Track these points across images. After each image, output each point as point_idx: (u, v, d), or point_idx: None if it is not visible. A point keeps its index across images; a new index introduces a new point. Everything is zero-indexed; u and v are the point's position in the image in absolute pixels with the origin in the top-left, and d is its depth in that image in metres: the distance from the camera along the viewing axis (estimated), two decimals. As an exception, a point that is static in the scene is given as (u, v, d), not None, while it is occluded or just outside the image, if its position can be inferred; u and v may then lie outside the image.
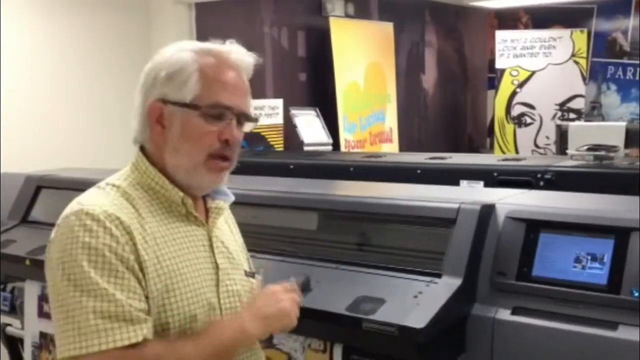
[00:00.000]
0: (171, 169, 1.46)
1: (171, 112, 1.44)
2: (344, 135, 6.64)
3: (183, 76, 1.43)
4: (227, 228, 1.61)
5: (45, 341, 2.76)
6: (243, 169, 4.50)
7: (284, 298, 1.47)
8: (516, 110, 8.14)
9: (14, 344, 3.05)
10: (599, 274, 1.74)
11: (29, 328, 2.83)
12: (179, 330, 1.37)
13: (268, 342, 1.96)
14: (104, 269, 1.31)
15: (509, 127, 8.18)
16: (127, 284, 1.31)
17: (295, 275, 1.74)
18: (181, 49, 1.47)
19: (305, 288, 1.63)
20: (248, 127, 1.52)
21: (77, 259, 1.31)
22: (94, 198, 1.40)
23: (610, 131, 4.83)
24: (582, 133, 4.84)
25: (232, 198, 1.59)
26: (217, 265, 1.48)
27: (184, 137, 1.44)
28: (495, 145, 8.29)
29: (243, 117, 1.48)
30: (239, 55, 1.48)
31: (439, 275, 1.87)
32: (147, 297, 1.34)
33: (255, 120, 1.53)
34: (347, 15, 7.10)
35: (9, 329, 3.02)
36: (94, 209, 1.35)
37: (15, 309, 2.98)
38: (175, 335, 1.37)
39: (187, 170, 1.45)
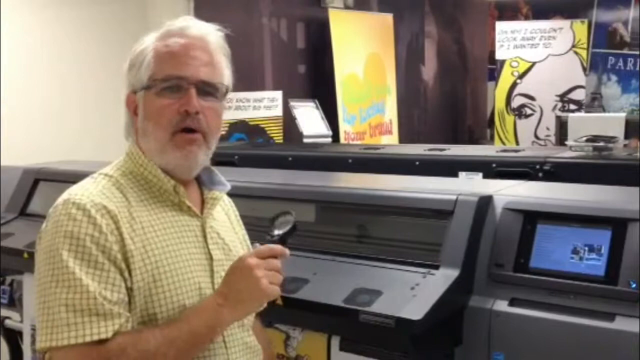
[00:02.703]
0: (149, 155, 1.45)
1: (139, 99, 1.44)
2: (343, 127, 6.63)
3: (140, 60, 1.43)
4: (225, 219, 1.60)
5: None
6: (242, 161, 4.48)
7: (260, 275, 1.33)
8: (516, 102, 8.12)
9: (13, 337, 3.06)
10: (596, 265, 1.74)
11: (28, 321, 2.84)
12: (167, 321, 1.35)
13: (266, 323, 1.96)
14: (82, 259, 1.30)
15: (509, 119, 8.16)
16: (105, 275, 1.31)
17: (277, 223, 1.44)
18: (144, 37, 1.47)
19: (289, 234, 1.41)
20: (220, 98, 1.46)
21: (58, 247, 1.31)
22: (83, 188, 1.40)
23: (610, 122, 4.83)
24: (581, 124, 4.84)
25: (228, 187, 1.57)
26: (211, 257, 1.46)
27: (146, 118, 1.43)
28: (496, 136, 8.28)
29: (204, 85, 1.42)
30: (197, 28, 1.46)
31: (436, 267, 1.86)
32: (131, 288, 1.33)
33: (225, 90, 1.47)
34: (346, 7, 7.08)
35: (8, 322, 3.03)
36: (81, 199, 1.35)
37: (14, 302, 2.98)
38: None
39: (158, 152, 1.43)
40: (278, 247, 1.40)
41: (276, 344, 2.00)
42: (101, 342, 1.28)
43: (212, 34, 1.47)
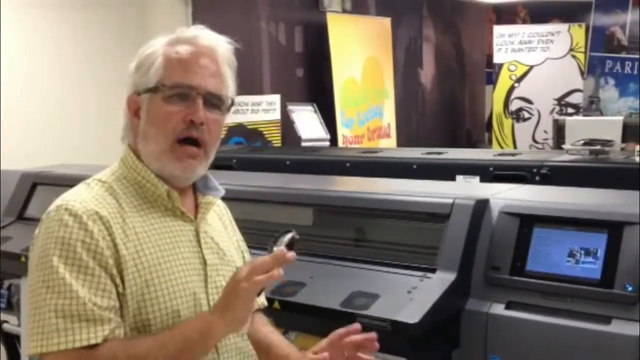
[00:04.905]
0: (145, 159, 1.44)
1: (142, 101, 1.44)
2: (341, 130, 6.63)
3: (148, 63, 1.44)
4: (220, 224, 1.60)
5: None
6: (240, 165, 4.47)
7: (240, 276, 1.30)
8: (514, 105, 8.14)
9: (11, 341, 3.06)
10: (592, 268, 1.74)
11: (25, 325, 2.84)
12: (160, 327, 1.35)
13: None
14: (73, 265, 1.30)
15: (507, 122, 8.18)
16: (96, 280, 1.31)
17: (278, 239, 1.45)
18: (153, 41, 1.48)
19: (290, 246, 1.43)
20: (225, 111, 1.47)
21: (49, 253, 1.31)
22: (76, 194, 1.40)
23: (607, 126, 4.82)
24: (579, 128, 4.83)
25: (222, 192, 1.57)
26: (205, 261, 1.46)
27: (149, 121, 1.43)
28: (494, 140, 8.29)
29: (211, 97, 1.43)
30: (208, 39, 1.46)
31: (433, 270, 1.87)
32: (124, 294, 1.33)
33: (230, 103, 1.48)
34: (344, 11, 7.09)
35: (6, 326, 3.03)
36: (73, 205, 1.35)
37: (12, 306, 2.99)
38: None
39: (157, 158, 1.43)
40: (268, 257, 1.34)
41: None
42: (92, 347, 1.28)
43: (221, 45, 1.47)
